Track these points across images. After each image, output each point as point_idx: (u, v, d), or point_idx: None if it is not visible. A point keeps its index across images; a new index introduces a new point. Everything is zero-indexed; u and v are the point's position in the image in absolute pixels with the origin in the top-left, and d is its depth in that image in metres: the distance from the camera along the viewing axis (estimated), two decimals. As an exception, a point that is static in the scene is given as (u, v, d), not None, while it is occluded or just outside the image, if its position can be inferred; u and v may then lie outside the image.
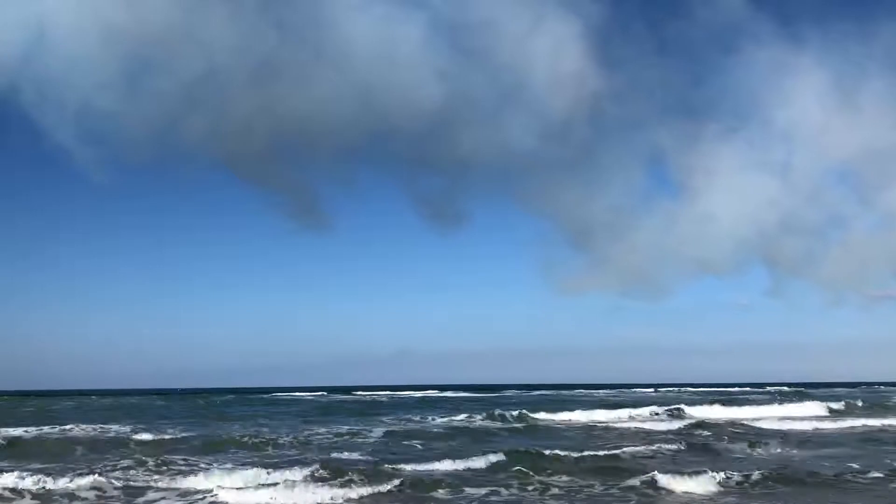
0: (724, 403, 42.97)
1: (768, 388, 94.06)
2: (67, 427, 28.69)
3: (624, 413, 37.12)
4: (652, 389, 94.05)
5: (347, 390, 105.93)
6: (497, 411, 34.65)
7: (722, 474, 15.46)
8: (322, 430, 26.99)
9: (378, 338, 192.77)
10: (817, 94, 74.86)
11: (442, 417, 34.54)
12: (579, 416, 35.87)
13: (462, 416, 34.68)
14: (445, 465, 17.60)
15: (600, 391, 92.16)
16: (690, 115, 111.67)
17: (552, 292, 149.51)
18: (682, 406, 41.00)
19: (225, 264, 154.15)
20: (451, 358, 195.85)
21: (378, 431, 26.19)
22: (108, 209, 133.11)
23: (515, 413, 34.60)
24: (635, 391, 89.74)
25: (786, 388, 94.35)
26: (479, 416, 33.98)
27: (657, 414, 38.09)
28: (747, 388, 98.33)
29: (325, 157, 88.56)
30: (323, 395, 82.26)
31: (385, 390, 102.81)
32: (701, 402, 44.54)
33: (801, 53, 78.61)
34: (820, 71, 75.77)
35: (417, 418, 34.87)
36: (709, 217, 79.14)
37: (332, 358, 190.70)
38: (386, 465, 17.39)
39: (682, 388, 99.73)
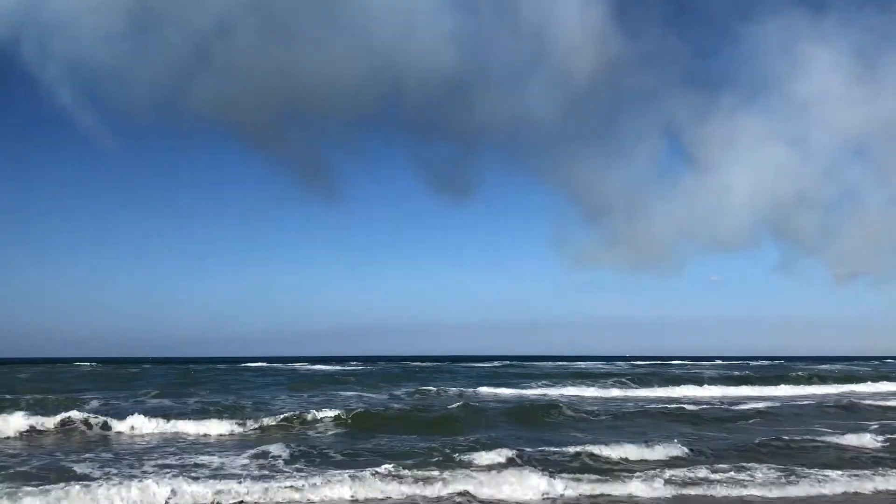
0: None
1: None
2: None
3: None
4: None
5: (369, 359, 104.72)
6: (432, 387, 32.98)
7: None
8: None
9: (386, 309, 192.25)
10: (837, 63, 70.07)
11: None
12: (527, 392, 33.69)
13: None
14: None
15: (604, 364, 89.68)
16: (706, 85, 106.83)
17: (564, 266, 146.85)
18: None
19: (231, 232, 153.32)
20: (458, 329, 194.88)
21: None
22: (113, 174, 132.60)
23: (455, 390, 32.51)
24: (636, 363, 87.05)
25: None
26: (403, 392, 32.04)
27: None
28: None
29: (335, 124, 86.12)
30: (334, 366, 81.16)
31: (393, 360, 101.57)
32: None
33: (821, 20, 73.58)
34: (840, 39, 70.85)
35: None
36: (723, 190, 75.21)
37: (336, 327, 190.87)
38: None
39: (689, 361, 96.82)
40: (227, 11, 58.45)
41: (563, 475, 12.64)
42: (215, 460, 14.22)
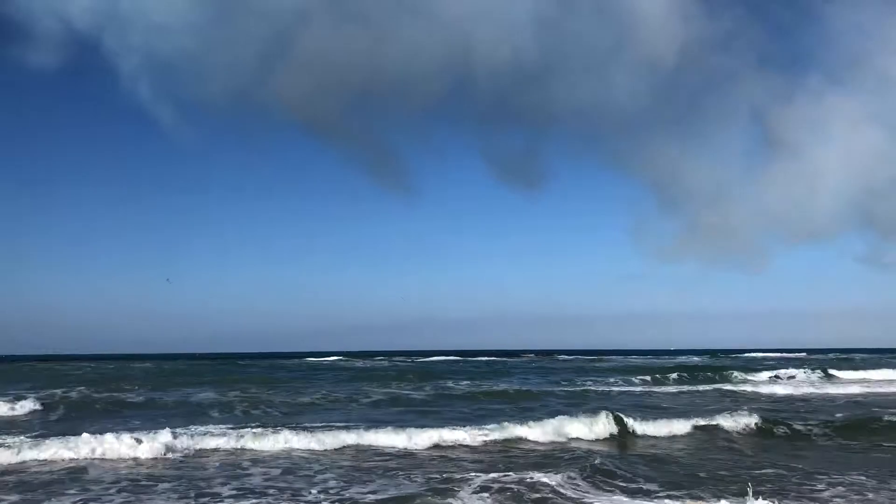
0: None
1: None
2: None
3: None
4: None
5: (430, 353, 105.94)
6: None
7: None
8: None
9: (456, 302, 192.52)
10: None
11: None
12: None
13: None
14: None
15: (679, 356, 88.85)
16: (791, 65, 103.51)
17: (642, 258, 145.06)
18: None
19: (305, 227, 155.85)
20: (528, 322, 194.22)
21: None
22: (188, 167, 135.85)
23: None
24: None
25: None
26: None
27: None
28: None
29: (406, 114, 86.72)
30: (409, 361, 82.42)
31: (460, 354, 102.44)
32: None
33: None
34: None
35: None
36: (812, 176, 72.83)
37: (409, 321, 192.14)
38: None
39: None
40: (300, 2, 58.83)
41: None
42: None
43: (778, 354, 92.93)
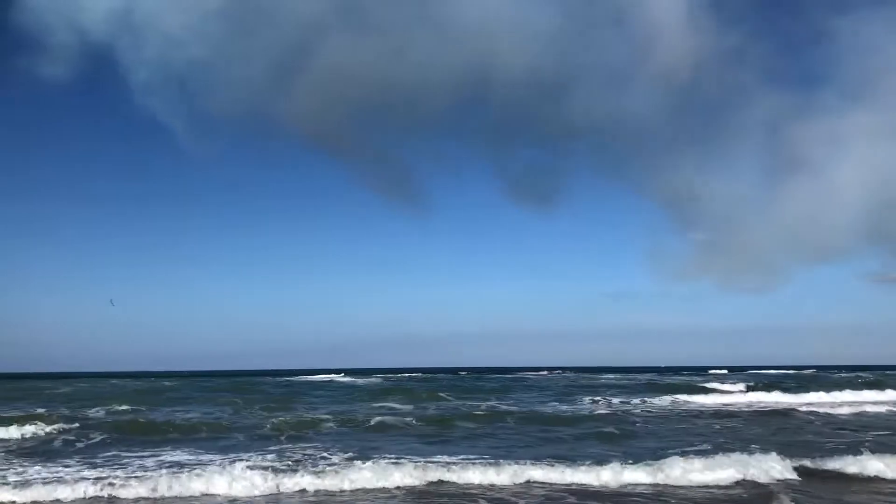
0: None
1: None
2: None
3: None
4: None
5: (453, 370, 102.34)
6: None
7: None
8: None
9: (465, 319, 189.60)
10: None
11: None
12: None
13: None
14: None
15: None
16: (808, 80, 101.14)
17: (657, 277, 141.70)
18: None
19: (315, 242, 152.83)
20: (538, 339, 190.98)
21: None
22: (199, 180, 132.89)
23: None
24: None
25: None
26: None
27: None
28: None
29: (418, 129, 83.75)
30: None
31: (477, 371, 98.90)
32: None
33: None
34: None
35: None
36: (830, 193, 69.84)
37: (416, 337, 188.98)
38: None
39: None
40: (316, 13, 56.33)
41: None
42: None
43: (783, 371, 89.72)
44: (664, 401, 34.73)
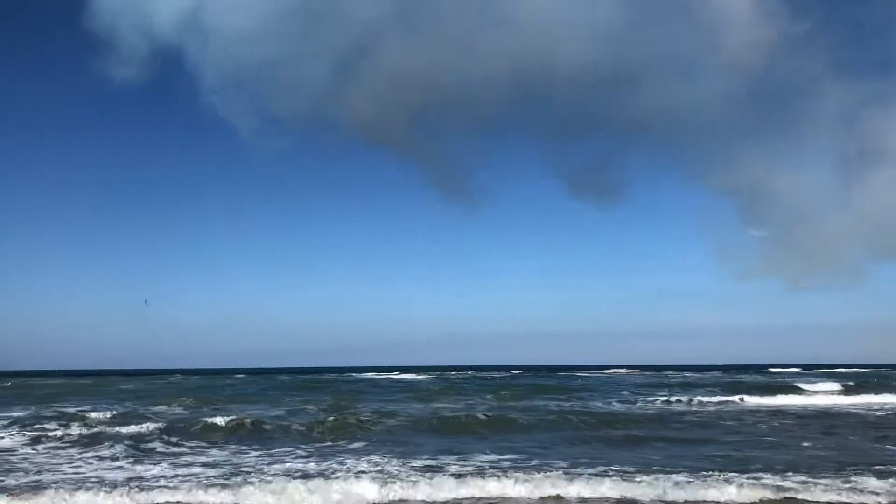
0: None
1: None
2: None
3: None
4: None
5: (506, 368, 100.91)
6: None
7: None
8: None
9: (535, 317, 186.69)
10: None
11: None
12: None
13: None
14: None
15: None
16: (883, 68, 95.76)
17: (723, 274, 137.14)
18: None
19: (370, 239, 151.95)
20: (588, 337, 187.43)
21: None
22: (263, 181, 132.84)
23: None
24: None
25: None
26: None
27: None
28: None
29: (476, 124, 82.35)
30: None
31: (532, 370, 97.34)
32: None
33: None
34: None
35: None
36: None
37: (473, 336, 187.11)
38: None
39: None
40: (378, 14, 55.48)
41: None
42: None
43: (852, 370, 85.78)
44: (771, 400, 32.88)
